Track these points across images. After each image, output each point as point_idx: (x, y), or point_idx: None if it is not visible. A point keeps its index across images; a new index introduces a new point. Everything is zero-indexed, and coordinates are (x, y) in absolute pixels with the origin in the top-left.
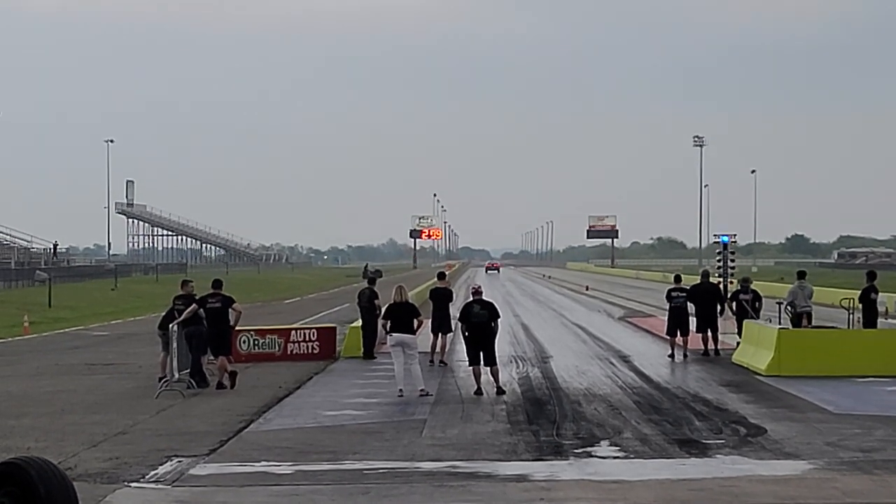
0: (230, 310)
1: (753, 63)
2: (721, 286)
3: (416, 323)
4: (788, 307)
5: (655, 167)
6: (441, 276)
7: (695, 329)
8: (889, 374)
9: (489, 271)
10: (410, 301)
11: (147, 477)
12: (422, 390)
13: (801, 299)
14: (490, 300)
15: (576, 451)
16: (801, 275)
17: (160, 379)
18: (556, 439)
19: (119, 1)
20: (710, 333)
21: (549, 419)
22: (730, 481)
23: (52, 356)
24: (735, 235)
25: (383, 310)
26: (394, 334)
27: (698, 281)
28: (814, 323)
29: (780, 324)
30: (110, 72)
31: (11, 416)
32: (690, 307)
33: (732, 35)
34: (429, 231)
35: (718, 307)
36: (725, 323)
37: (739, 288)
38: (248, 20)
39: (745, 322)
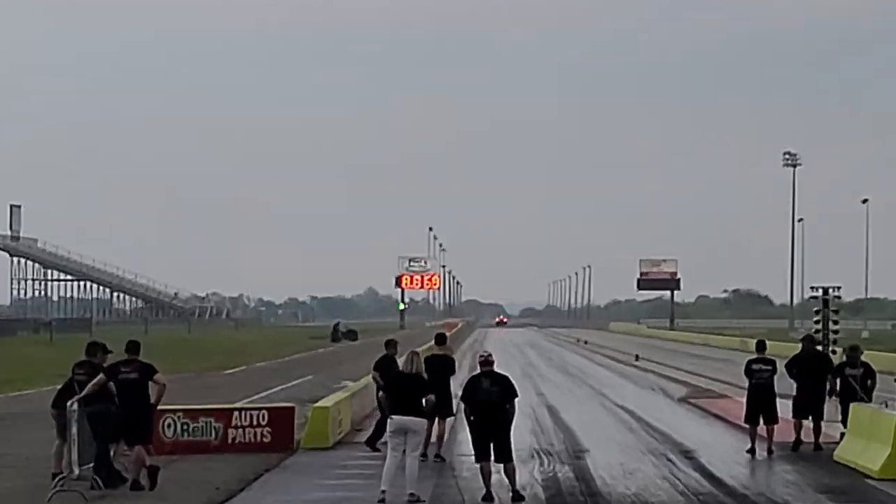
0: (150, 382)
1: (861, 62)
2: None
3: (424, 402)
4: None
5: (729, 196)
6: (440, 339)
7: (791, 414)
8: None
9: (499, 325)
10: (423, 374)
11: None
12: (411, 495)
13: None
14: (504, 373)
15: None
16: None
17: (54, 476)
18: None
19: None
20: (811, 420)
21: None
22: None
23: None
24: (839, 288)
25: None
26: (395, 417)
27: (798, 349)
28: None
29: None
30: None
31: None
32: (782, 384)
33: (828, 27)
34: (422, 278)
35: (828, 385)
36: (827, 407)
37: (846, 360)
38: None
39: (852, 406)
